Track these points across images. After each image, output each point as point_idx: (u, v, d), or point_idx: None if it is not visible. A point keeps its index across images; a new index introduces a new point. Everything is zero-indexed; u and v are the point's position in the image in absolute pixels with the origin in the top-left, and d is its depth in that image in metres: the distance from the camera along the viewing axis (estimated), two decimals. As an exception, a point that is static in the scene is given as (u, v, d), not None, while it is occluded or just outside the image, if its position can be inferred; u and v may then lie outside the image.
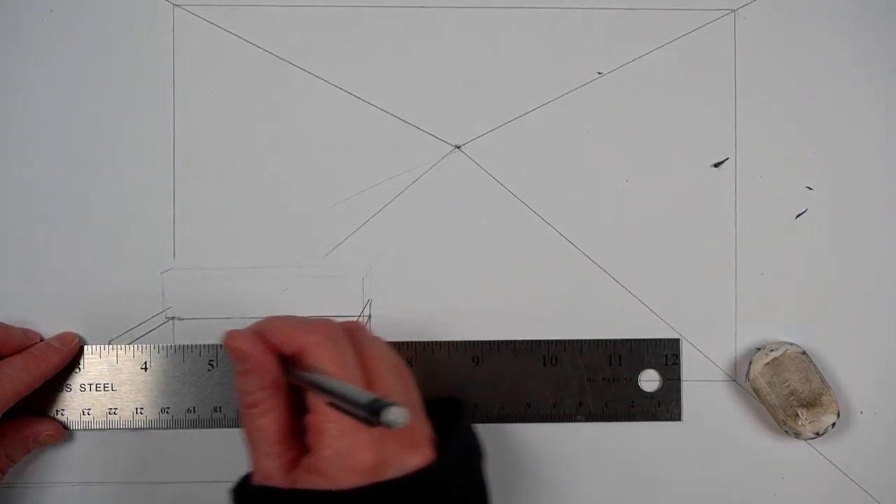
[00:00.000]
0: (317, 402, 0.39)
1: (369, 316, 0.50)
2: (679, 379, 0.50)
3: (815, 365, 0.49)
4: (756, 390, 0.49)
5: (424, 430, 0.41)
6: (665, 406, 0.50)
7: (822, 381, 0.49)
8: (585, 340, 0.49)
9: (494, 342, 0.49)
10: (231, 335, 0.41)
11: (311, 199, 0.50)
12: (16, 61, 0.49)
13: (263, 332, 0.41)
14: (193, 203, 0.49)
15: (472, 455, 0.43)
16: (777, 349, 0.49)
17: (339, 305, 0.49)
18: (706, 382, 0.50)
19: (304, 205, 0.50)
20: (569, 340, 0.49)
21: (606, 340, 0.49)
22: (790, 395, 0.48)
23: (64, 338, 0.48)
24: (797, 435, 0.48)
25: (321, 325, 0.42)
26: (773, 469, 0.50)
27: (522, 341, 0.49)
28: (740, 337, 0.50)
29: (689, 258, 0.50)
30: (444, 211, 0.50)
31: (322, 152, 0.50)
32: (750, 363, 0.49)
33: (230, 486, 0.41)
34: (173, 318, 0.49)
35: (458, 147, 0.50)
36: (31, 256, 0.49)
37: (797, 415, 0.48)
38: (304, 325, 0.42)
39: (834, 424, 0.48)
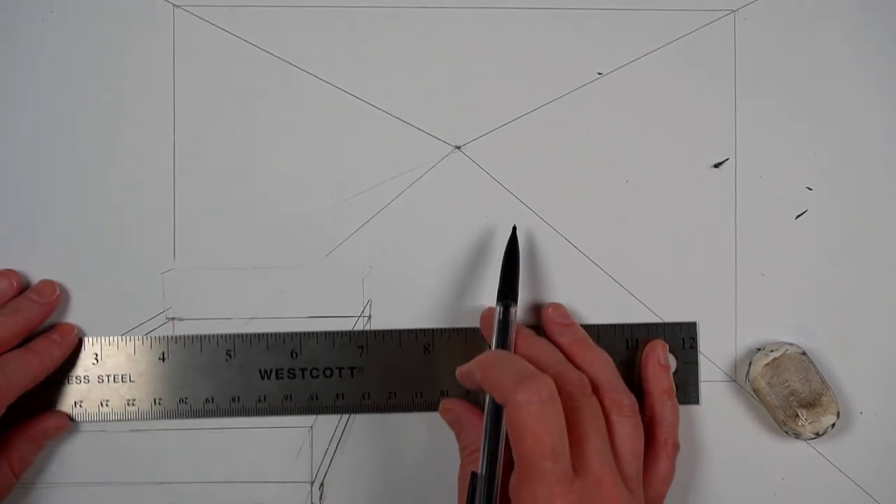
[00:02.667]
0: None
1: (369, 316, 0.50)
2: (696, 363, 0.49)
3: (814, 365, 0.49)
4: (756, 391, 0.49)
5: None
6: (682, 389, 0.49)
7: (822, 381, 0.49)
8: (603, 325, 0.49)
9: None
10: (445, 406, 0.47)
11: (311, 199, 0.50)
12: (16, 62, 0.49)
13: (474, 373, 0.43)
14: (193, 203, 0.49)
15: None
16: (777, 349, 0.49)
17: (339, 305, 0.50)
18: (706, 383, 0.50)
19: (304, 205, 0.50)
20: (586, 326, 0.49)
21: (624, 325, 0.49)
22: (790, 395, 0.48)
23: (62, 330, 0.48)
24: (797, 435, 0.48)
25: (535, 384, 0.40)
26: (773, 469, 0.50)
27: (538, 327, 0.48)
28: (740, 337, 0.50)
29: (689, 259, 0.50)
30: (445, 211, 0.50)
31: (322, 152, 0.50)
32: (750, 364, 0.49)
33: None
34: (173, 318, 0.49)
35: (459, 147, 0.50)
36: (31, 257, 0.49)
37: (797, 415, 0.48)
38: (519, 377, 0.41)
39: (834, 425, 0.48)
